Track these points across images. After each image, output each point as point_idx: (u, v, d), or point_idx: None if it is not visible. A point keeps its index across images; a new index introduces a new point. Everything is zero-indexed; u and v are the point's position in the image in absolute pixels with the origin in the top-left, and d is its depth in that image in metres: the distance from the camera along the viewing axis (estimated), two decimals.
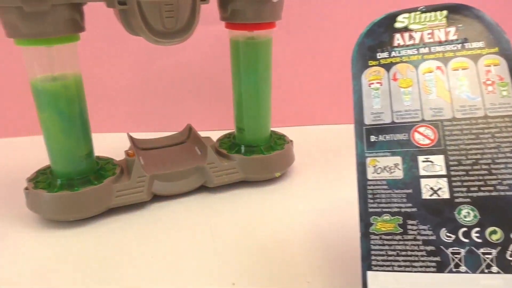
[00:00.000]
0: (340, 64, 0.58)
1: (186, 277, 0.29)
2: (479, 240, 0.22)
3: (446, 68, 0.26)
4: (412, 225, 0.23)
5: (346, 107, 0.59)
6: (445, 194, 0.23)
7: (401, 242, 0.23)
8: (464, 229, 0.22)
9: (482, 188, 0.23)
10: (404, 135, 0.25)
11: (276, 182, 0.42)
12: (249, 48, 0.39)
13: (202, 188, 0.40)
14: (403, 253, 0.23)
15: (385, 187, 0.24)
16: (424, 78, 0.26)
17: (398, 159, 0.25)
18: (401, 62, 0.26)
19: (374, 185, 0.24)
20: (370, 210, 0.24)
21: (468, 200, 0.23)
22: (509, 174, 0.22)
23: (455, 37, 0.26)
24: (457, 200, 0.23)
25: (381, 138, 0.25)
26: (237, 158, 0.41)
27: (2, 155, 0.51)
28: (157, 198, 0.39)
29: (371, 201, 0.24)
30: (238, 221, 0.36)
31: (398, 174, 0.24)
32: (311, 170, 0.45)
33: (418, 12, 0.27)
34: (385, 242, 0.23)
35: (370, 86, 0.27)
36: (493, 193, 0.22)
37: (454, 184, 0.23)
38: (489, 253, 0.22)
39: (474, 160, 0.23)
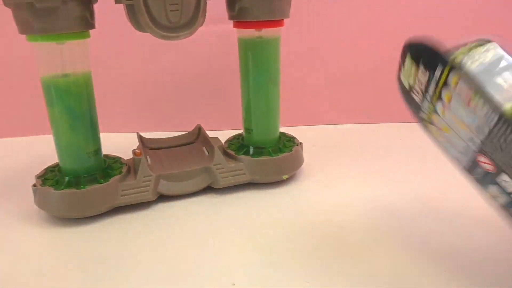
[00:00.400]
0: (349, 63, 0.58)
1: (186, 277, 0.28)
2: None
3: None
4: None
5: (355, 106, 0.60)
6: None
7: None
8: None
9: None
10: None
11: (283, 185, 0.41)
12: (257, 47, 0.39)
13: (209, 189, 0.40)
14: None
15: None
16: None
17: None
18: None
19: None
20: None
21: None
22: None
23: None
24: None
25: None
26: (245, 159, 0.40)
27: (15, 153, 0.52)
28: (163, 198, 0.38)
29: None
30: (241, 223, 0.35)
31: None
32: (320, 172, 0.44)
33: None
34: None
35: None
36: None
37: None
38: None
39: None
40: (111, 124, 0.56)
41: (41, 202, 0.35)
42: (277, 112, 0.42)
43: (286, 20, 0.39)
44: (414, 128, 0.59)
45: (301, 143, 0.44)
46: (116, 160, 0.40)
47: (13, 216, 0.37)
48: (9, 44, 0.53)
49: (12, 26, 0.32)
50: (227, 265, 0.30)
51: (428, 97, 0.25)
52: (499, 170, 0.22)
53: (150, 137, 0.46)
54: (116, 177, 0.36)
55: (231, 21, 0.39)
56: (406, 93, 0.27)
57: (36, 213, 0.37)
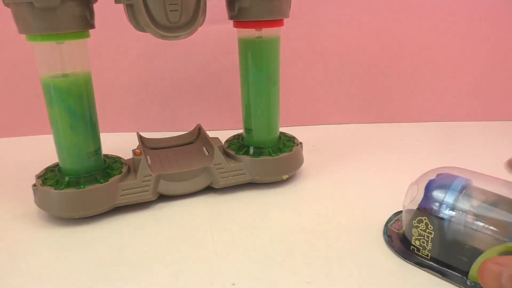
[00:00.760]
0: (349, 63, 0.58)
1: (186, 277, 0.28)
2: None
3: None
4: None
5: (355, 106, 0.60)
6: None
7: None
8: None
9: None
10: None
11: (283, 185, 0.41)
12: (257, 47, 0.39)
13: (209, 189, 0.40)
14: None
15: None
16: None
17: None
18: None
19: None
20: None
21: None
22: None
23: None
24: None
25: None
26: (245, 159, 0.40)
27: (15, 153, 0.52)
28: (163, 197, 0.38)
29: None
30: (241, 223, 0.35)
31: None
32: (320, 172, 0.44)
33: None
34: None
35: None
36: None
37: None
38: None
39: None
40: (111, 124, 0.56)
41: (41, 202, 0.35)
42: (277, 112, 0.42)
43: (286, 20, 0.39)
44: (414, 128, 0.59)
45: (301, 143, 0.44)
46: (116, 160, 0.40)
47: (13, 216, 0.37)
48: (9, 44, 0.53)
49: (12, 26, 0.32)
50: (227, 265, 0.30)
51: None
52: None
53: (150, 137, 0.46)
54: (116, 177, 0.36)
55: (231, 21, 0.39)
56: None
57: (36, 213, 0.37)
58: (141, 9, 0.32)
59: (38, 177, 0.37)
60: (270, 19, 0.37)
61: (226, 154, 0.42)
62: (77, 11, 0.32)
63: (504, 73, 0.59)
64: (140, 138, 0.44)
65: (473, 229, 0.26)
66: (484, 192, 0.28)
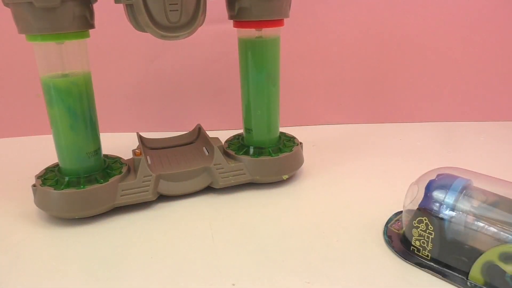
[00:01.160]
0: (349, 63, 0.58)
1: (186, 277, 0.28)
2: None
3: None
4: None
5: (355, 106, 0.60)
6: None
7: None
8: None
9: None
10: None
11: (283, 185, 0.41)
12: (257, 47, 0.39)
13: (209, 189, 0.40)
14: None
15: None
16: None
17: None
18: None
19: None
20: None
21: None
22: None
23: None
24: None
25: None
26: (245, 159, 0.40)
27: (15, 153, 0.52)
28: (163, 198, 0.38)
29: None
30: (241, 223, 0.35)
31: None
32: (320, 172, 0.44)
33: None
34: None
35: None
36: None
37: None
38: None
39: None
40: (111, 124, 0.56)
41: (41, 202, 0.35)
42: (277, 112, 0.42)
43: (286, 20, 0.39)
44: (414, 128, 0.59)
45: (301, 143, 0.44)
46: (116, 160, 0.40)
47: (13, 216, 0.37)
48: (9, 44, 0.53)
49: (12, 26, 0.32)
50: (227, 265, 0.30)
51: None
52: None
53: (150, 137, 0.46)
54: (116, 177, 0.36)
55: (231, 21, 0.39)
56: None
57: (36, 213, 0.37)
58: (141, 9, 0.32)
59: (38, 177, 0.37)
60: (270, 19, 0.37)
61: (226, 154, 0.42)
62: (77, 11, 0.32)
63: (504, 74, 0.59)
64: (140, 138, 0.44)
65: (473, 229, 0.26)
66: (484, 192, 0.28)
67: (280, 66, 0.41)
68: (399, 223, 0.33)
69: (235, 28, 0.39)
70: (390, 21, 0.56)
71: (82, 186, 0.35)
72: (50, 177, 0.37)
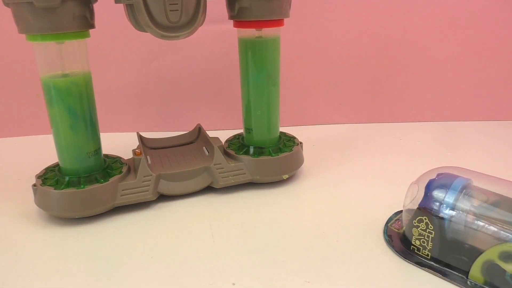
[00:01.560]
0: (349, 63, 0.58)
1: (186, 277, 0.28)
2: None
3: None
4: None
5: (355, 106, 0.60)
6: None
7: None
8: None
9: None
10: None
11: (284, 185, 0.41)
12: (258, 46, 0.39)
13: (209, 189, 0.40)
14: None
15: None
16: None
17: None
18: None
19: None
20: None
21: None
22: None
23: None
24: None
25: None
26: (245, 159, 0.40)
27: (15, 153, 0.52)
28: (163, 197, 0.38)
29: None
30: (241, 222, 0.35)
31: None
32: (320, 172, 0.44)
33: None
34: None
35: None
36: None
37: None
38: None
39: None
40: (111, 124, 0.56)
41: (41, 201, 0.35)
42: (277, 111, 0.42)
43: (286, 20, 0.39)
44: (414, 128, 0.59)
45: (301, 143, 0.44)
46: (116, 160, 0.40)
47: (13, 215, 0.37)
48: (9, 44, 0.53)
49: (12, 26, 0.32)
50: (227, 264, 0.30)
51: None
52: None
53: (150, 137, 0.46)
54: (116, 177, 0.36)
55: (231, 21, 0.39)
56: None
57: (36, 212, 0.37)
58: (141, 9, 0.32)
59: (38, 177, 0.37)
60: (270, 19, 0.37)
61: (226, 154, 0.42)
62: (77, 11, 0.32)
63: (505, 73, 0.59)
64: (140, 138, 0.44)
65: (473, 228, 0.26)
66: (484, 192, 0.28)
67: (280, 66, 0.41)
68: (399, 223, 0.33)
69: (235, 28, 0.39)
70: (390, 21, 0.56)
71: (82, 186, 0.35)
72: (51, 177, 0.37)
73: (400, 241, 0.31)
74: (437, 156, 0.49)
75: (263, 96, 0.41)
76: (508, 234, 0.25)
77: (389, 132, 0.57)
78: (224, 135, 0.45)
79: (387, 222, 0.34)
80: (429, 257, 0.29)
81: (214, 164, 0.39)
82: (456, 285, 0.27)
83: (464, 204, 0.27)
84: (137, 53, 0.55)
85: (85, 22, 0.33)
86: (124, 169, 0.38)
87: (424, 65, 0.58)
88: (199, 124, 0.47)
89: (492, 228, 0.26)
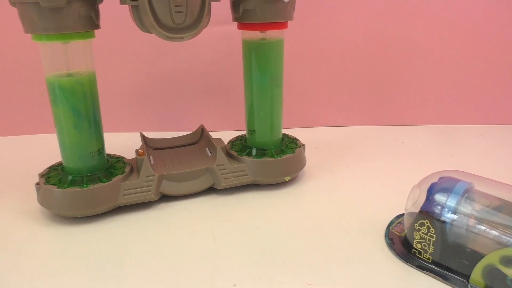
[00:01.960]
0: (352, 65, 0.58)
1: (187, 277, 0.29)
2: None
3: None
4: None
5: (358, 108, 0.60)
6: None
7: None
8: None
9: None
10: None
11: (285, 187, 0.41)
12: (261, 48, 0.39)
13: (211, 190, 0.40)
14: None
15: None
16: None
17: None
18: None
19: None
20: None
21: None
22: None
23: None
24: None
25: None
26: (247, 160, 0.40)
27: (19, 151, 0.53)
28: (165, 198, 0.38)
29: None
30: (243, 224, 0.35)
31: None
32: (322, 174, 0.44)
33: None
34: None
35: None
36: None
37: None
38: None
39: None
40: (115, 123, 0.56)
41: (44, 200, 0.35)
42: (280, 113, 0.42)
43: (290, 23, 0.39)
44: (416, 131, 0.59)
45: (303, 145, 0.44)
46: (119, 159, 0.40)
47: (16, 214, 0.37)
48: (14, 43, 0.53)
49: (18, 25, 0.32)
50: (228, 265, 0.30)
51: None
52: None
53: (153, 137, 0.46)
54: (119, 176, 0.37)
55: (235, 22, 0.39)
56: None
57: (39, 211, 0.37)
58: (146, 10, 0.32)
59: (41, 175, 0.37)
60: (274, 21, 0.37)
61: (228, 155, 0.42)
62: (83, 11, 0.32)
63: (507, 77, 0.59)
64: (143, 138, 0.44)
65: (475, 232, 0.26)
66: (486, 196, 0.28)
67: (284, 68, 0.41)
68: (401, 226, 0.33)
69: (239, 30, 0.40)
70: (393, 24, 0.56)
71: (85, 185, 0.35)
72: (54, 176, 0.37)
73: (401, 244, 0.31)
74: (439, 159, 0.49)
75: (266, 97, 0.41)
76: (509, 239, 0.25)
77: (391, 135, 0.57)
78: (227, 136, 0.46)
79: (389, 225, 0.34)
80: (430, 261, 0.29)
81: (217, 165, 0.39)
82: None
83: (466, 208, 0.27)
84: (141, 53, 0.55)
85: (90, 22, 0.33)
86: (127, 169, 0.38)
87: (427, 68, 0.58)
88: (202, 125, 0.48)
89: (494, 232, 0.26)
